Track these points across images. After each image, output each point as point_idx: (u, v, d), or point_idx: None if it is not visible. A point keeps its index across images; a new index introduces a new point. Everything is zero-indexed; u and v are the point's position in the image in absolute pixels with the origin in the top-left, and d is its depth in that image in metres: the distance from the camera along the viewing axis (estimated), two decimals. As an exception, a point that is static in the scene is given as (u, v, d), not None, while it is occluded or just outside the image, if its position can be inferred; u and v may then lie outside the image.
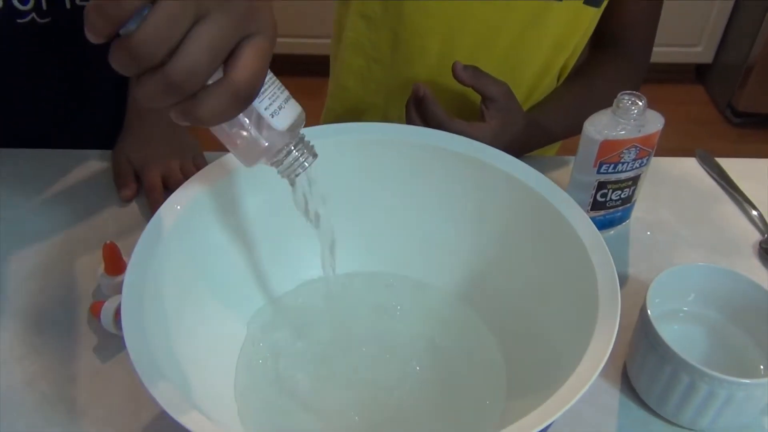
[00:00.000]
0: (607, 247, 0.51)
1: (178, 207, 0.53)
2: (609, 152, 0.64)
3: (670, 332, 0.55)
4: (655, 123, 0.65)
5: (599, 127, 0.64)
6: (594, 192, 0.68)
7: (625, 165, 0.66)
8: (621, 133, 0.64)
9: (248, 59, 0.38)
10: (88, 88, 0.85)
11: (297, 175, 0.47)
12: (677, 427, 0.57)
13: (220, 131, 0.43)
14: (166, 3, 0.34)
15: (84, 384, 0.57)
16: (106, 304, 0.60)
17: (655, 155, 0.67)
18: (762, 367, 0.57)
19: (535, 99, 0.86)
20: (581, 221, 0.53)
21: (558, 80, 0.89)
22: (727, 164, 0.82)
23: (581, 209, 0.54)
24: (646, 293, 0.56)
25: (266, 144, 0.43)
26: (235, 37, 0.37)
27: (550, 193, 0.55)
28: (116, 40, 0.35)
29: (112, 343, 0.60)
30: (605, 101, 0.65)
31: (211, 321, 0.56)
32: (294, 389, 0.55)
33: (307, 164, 0.46)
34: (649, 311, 0.55)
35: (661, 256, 0.71)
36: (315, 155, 0.47)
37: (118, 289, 0.60)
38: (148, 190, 0.74)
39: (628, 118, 0.63)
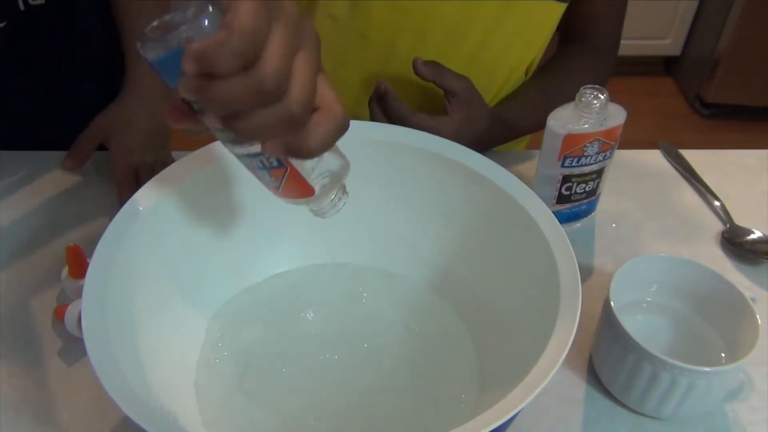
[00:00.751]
0: (568, 240, 0.51)
1: (141, 207, 0.53)
2: (572, 146, 0.65)
3: (633, 322, 0.56)
4: (617, 116, 0.66)
5: (562, 121, 0.65)
6: (559, 186, 0.69)
7: (589, 158, 0.67)
8: (584, 127, 0.64)
9: (333, 92, 0.39)
10: (51, 87, 0.84)
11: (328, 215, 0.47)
12: (642, 416, 0.57)
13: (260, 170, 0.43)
14: (281, 34, 0.34)
15: (49, 388, 0.57)
16: (69, 307, 0.60)
17: (625, 147, 0.68)
18: (723, 355, 0.58)
19: (505, 95, 0.86)
20: (543, 215, 0.54)
21: (526, 76, 0.89)
22: (691, 156, 0.83)
23: (542, 202, 0.54)
24: (609, 284, 0.57)
25: (316, 192, 0.44)
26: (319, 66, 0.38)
27: (512, 187, 0.56)
28: (224, 78, 0.33)
29: (77, 347, 0.60)
30: (572, 96, 0.66)
31: (175, 319, 0.55)
32: (255, 387, 0.55)
33: (340, 206, 0.47)
34: (612, 303, 0.56)
35: (625, 247, 0.72)
36: (347, 194, 0.48)
37: (82, 292, 0.60)
38: (120, 183, 0.74)
39: (590, 112, 0.64)
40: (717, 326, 0.60)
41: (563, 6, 0.79)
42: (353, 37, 0.81)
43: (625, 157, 0.82)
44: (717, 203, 0.77)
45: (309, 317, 0.61)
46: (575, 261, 0.50)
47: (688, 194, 0.79)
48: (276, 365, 0.57)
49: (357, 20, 0.79)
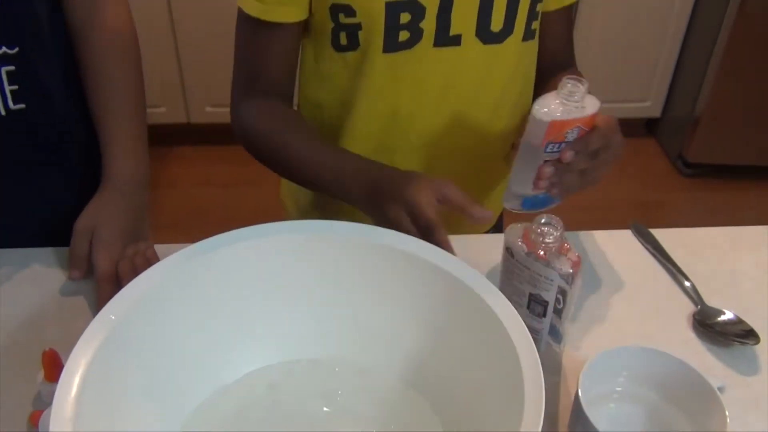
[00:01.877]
0: (530, 338, 0.52)
1: (113, 317, 0.54)
2: (556, 132, 0.67)
3: (604, 413, 0.57)
4: (593, 105, 0.68)
5: (548, 108, 0.67)
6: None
7: (568, 144, 0.69)
8: (567, 114, 0.67)
9: None
10: (27, 184, 0.85)
11: None
12: None
13: None
14: None
15: (22, 498, 0.57)
16: (45, 413, 0.60)
17: (607, 207, 0.70)
18: (694, 447, 0.58)
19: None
20: (509, 315, 0.55)
21: None
22: (661, 235, 0.85)
23: (508, 302, 0.56)
24: (578, 377, 0.58)
25: None
26: None
27: (478, 285, 0.57)
28: None
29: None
30: None
31: (149, 424, 0.56)
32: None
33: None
34: (581, 396, 0.57)
35: (599, 332, 0.73)
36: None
37: (57, 397, 0.60)
38: (101, 279, 0.75)
39: (572, 100, 0.66)
40: (687, 413, 0.60)
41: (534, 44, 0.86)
42: (357, 110, 0.84)
43: (596, 237, 0.84)
44: (687, 283, 0.78)
45: (283, 420, 0.61)
46: (539, 364, 0.51)
47: (660, 275, 0.81)
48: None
49: (361, 99, 0.83)
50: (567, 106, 0.67)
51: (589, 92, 0.68)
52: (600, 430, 0.54)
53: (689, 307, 0.76)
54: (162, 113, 2.29)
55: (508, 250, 0.66)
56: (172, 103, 2.28)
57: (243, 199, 2.12)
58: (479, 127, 0.87)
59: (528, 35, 0.83)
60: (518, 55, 0.84)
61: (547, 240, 0.63)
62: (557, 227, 0.63)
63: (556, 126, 0.67)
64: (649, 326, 0.74)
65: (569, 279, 0.63)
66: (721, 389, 0.57)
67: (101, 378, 0.51)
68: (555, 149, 0.69)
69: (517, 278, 0.66)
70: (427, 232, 0.66)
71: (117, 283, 0.74)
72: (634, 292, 0.78)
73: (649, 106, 2.51)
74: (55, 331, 0.71)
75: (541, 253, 0.64)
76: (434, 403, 0.62)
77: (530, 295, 0.66)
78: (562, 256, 0.63)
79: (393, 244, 0.61)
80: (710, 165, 2.40)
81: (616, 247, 0.84)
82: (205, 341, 0.61)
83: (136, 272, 0.62)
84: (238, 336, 0.63)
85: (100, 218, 0.79)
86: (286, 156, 0.81)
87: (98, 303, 0.74)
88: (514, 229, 0.66)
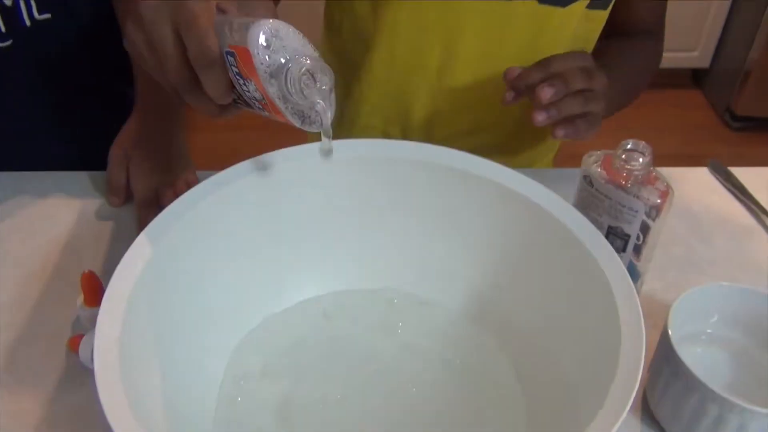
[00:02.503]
0: (626, 272, 0.47)
1: (158, 235, 0.49)
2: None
3: (692, 356, 0.51)
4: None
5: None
6: None
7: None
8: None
9: None
10: (60, 106, 0.81)
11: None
12: (704, 460, 0.52)
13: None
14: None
15: (62, 425, 0.53)
16: (85, 338, 0.56)
17: (660, 164, 0.62)
18: (794, 395, 0.53)
19: None
20: (597, 244, 0.49)
21: None
22: (738, 174, 0.78)
23: (596, 230, 0.50)
24: (666, 316, 0.52)
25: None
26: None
27: (562, 213, 0.52)
28: None
29: (92, 380, 0.56)
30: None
31: (195, 352, 0.51)
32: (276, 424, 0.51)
33: (325, 87, 0.45)
34: (671, 336, 0.51)
35: (676, 273, 0.67)
36: (326, 71, 0.45)
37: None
38: (140, 205, 0.70)
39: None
40: (784, 361, 0.55)
41: (605, 13, 0.75)
42: (379, 53, 0.77)
43: (671, 174, 0.77)
44: (772, 223, 0.72)
45: (341, 352, 0.56)
46: (636, 299, 0.45)
47: (740, 214, 0.74)
48: (305, 407, 0.52)
49: (383, 41, 0.75)
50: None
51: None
52: (694, 371, 0.49)
53: (774, 249, 0.70)
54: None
55: (586, 179, 0.60)
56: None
57: (277, 143, 2.08)
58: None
59: (598, 3, 0.73)
60: (580, 23, 0.74)
61: (633, 166, 0.57)
62: (645, 152, 0.57)
63: None
64: (731, 267, 0.68)
65: (655, 212, 0.57)
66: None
67: (146, 301, 0.47)
68: None
69: (595, 209, 0.60)
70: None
71: (158, 209, 0.70)
72: (713, 232, 0.72)
73: (697, 56, 2.40)
74: (93, 256, 0.66)
75: (624, 182, 0.57)
76: (502, 342, 0.57)
77: (609, 228, 0.60)
78: (648, 185, 0.57)
79: (467, 166, 0.56)
80: (759, 118, 2.29)
81: (692, 185, 0.78)
82: (254, 267, 0.56)
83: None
84: (289, 263, 0.59)
85: (135, 144, 0.74)
86: None
87: (138, 229, 0.69)
88: (594, 155, 0.60)
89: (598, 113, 0.66)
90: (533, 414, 0.51)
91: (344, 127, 0.84)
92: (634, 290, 0.47)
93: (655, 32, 0.84)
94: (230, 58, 0.45)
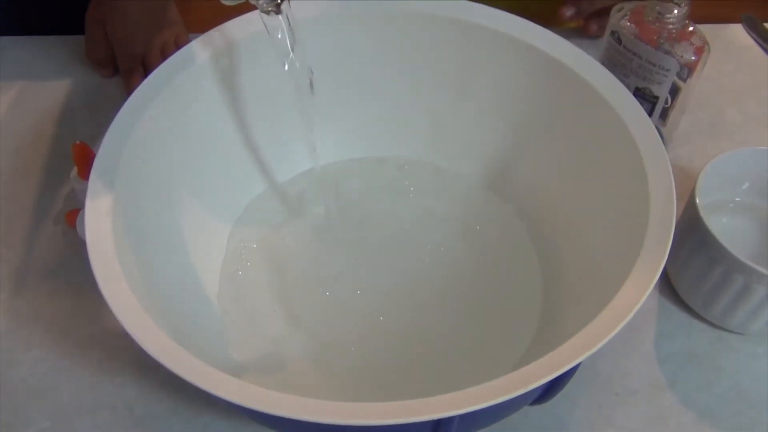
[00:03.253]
0: (660, 141, 0.43)
1: (150, 96, 0.45)
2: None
3: (718, 225, 0.48)
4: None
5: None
6: None
7: None
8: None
9: None
10: None
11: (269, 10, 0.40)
12: (724, 330, 0.51)
13: None
14: None
15: (63, 301, 0.52)
16: (82, 211, 0.54)
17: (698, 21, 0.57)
18: (825, 264, 0.50)
19: None
20: (628, 107, 0.45)
21: None
22: (778, 30, 0.72)
23: (629, 93, 0.46)
24: (694, 183, 0.49)
25: None
26: None
27: (591, 72, 0.47)
28: None
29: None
30: None
31: (192, 224, 0.49)
32: (286, 305, 0.49)
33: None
34: (698, 203, 0.48)
35: (704, 138, 0.63)
36: None
37: (93, 195, 0.53)
38: (125, 73, 0.66)
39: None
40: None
41: None
42: None
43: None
44: (809, 85, 0.67)
45: (349, 217, 0.54)
46: (669, 168, 0.41)
47: (775, 75, 0.69)
48: (312, 278, 0.51)
49: None
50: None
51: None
52: (721, 240, 0.46)
53: (810, 112, 0.66)
54: None
55: (614, 35, 0.55)
56: None
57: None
58: None
59: None
60: None
61: (667, 19, 0.52)
62: (681, 3, 0.52)
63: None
64: (764, 133, 0.64)
65: (687, 71, 0.53)
66: None
67: (137, 172, 0.43)
68: None
69: (622, 68, 0.55)
70: None
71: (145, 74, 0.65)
72: (746, 96, 0.67)
73: None
74: (85, 125, 0.63)
75: (657, 36, 0.52)
76: (522, 209, 0.54)
77: (636, 89, 0.55)
78: (683, 41, 0.52)
79: (477, 19, 0.50)
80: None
81: (724, 43, 0.72)
82: (253, 134, 0.53)
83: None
84: (287, 134, 0.55)
85: (111, 9, 0.68)
86: None
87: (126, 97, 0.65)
88: (624, 8, 0.55)
89: None
90: (549, 287, 0.49)
91: None
92: (667, 158, 0.43)
93: None
94: None
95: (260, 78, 0.51)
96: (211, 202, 0.51)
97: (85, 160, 0.55)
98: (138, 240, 0.42)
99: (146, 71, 0.65)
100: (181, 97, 0.47)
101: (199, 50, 0.48)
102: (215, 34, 0.49)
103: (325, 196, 0.55)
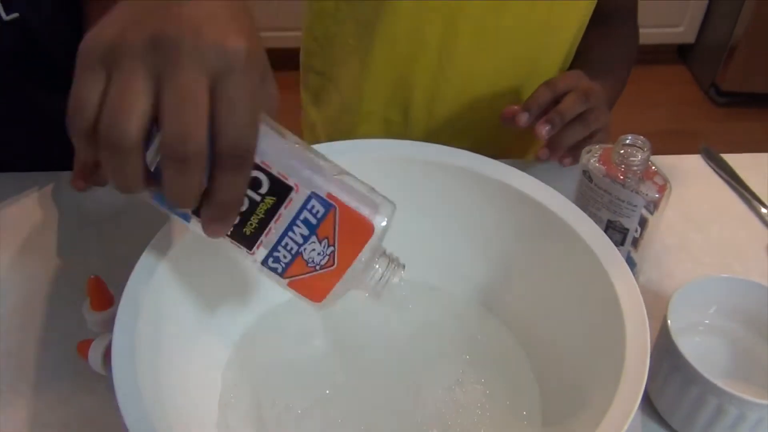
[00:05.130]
0: (626, 264, 0.48)
1: (172, 240, 0.49)
2: None
3: (691, 345, 0.52)
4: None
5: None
6: None
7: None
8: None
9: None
10: (33, 106, 0.79)
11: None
12: (703, 448, 0.54)
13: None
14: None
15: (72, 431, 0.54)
16: (94, 342, 0.56)
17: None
18: (791, 384, 0.54)
19: None
20: (595, 237, 0.50)
21: None
22: (731, 160, 0.80)
23: (594, 224, 0.51)
24: (666, 308, 0.54)
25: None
26: None
27: (559, 206, 0.53)
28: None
29: (101, 386, 0.56)
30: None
31: (199, 354, 0.52)
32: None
33: (396, 280, 0.43)
34: (671, 328, 0.52)
35: (672, 262, 0.69)
36: (402, 266, 0.44)
37: (106, 326, 0.56)
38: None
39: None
40: (779, 349, 0.56)
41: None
42: (380, 35, 0.77)
43: (664, 162, 0.78)
44: (764, 210, 0.73)
45: (341, 332, 0.57)
46: (639, 294, 0.46)
47: (734, 202, 0.76)
48: (308, 401, 0.53)
49: (383, 23, 0.75)
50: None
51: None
52: (691, 361, 0.50)
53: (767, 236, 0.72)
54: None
55: (585, 174, 0.61)
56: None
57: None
58: (516, 80, 0.80)
59: None
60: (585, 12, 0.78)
61: (631, 162, 0.58)
62: (644, 148, 0.58)
63: None
64: (726, 257, 0.69)
65: (653, 206, 0.59)
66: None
67: (160, 304, 0.47)
68: None
69: (594, 204, 0.61)
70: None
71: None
72: (707, 221, 0.73)
73: (683, 32, 2.41)
74: (97, 259, 0.67)
75: (623, 177, 0.58)
76: (513, 331, 0.58)
77: (608, 222, 0.61)
78: (647, 180, 0.58)
79: (472, 165, 0.56)
80: (745, 93, 2.31)
81: (685, 172, 0.79)
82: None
83: None
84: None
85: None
86: None
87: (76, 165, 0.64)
88: (593, 150, 0.61)
89: (605, 124, 0.68)
90: (548, 409, 0.52)
91: (345, 113, 0.85)
92: (636, 286, 0.48)
93: (630, 14, 0.86)
94: (314, 203, 0.39)
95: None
96: (215, 331, 0.54)
97: (98, 293, 0.59)
98: (152, 374, 0.45)
99: None
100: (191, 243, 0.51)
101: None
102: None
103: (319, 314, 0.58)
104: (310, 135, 0.92)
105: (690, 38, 2.43)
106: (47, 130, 0.78)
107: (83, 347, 0.58)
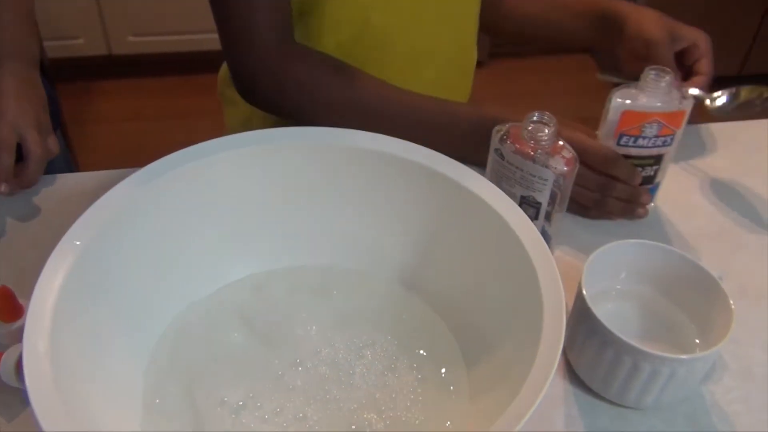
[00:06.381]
0: (546, 246, 0.50)
1: (77, 243, 0.48)
2: (630, 124, 0.66)
3: (604, 311, 0.55)
4: (684, 103, 0.66)
5: (624, 96, 0.65)
6: None
7: (647, 140, 0.67)
8: (643, 105, 0.65)
9: None
10: None
11: None
12: (623, 407, 0.56)
13: None
14: None
15: (-12, 448, 0.51)
16: (5, 355, 0.54)
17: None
18: (697, 341, 0.57)
19: None
20: (516, 217, 0.52)
21: None
22: None
23: (514, 203, 0.53)
24: (580, 276, 0.56)
25: None
26: None
27: (483, 189, 0.54)
28: None
29: (14, 399, 0.54)
30: None
31: (118, 351, 0.51)
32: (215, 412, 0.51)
33: None
34: (585, 295, 0.54)
35: (584, 235, 0.71)
36: None
37: (17, 337, 0.54)
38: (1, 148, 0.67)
39: (653, 92, 0.64)
40: (688, 311, 0.59)
41: None
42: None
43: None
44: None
45: (272, 319, 0.57)
46: (553, 263, 0.48)
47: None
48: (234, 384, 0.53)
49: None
50: (647, 97, 0.65)
51: (684, 87, 0.66)
52: (606, 324, 0.52)
53: None
54: (80, 45, 2.13)
55: (497, 152, 0.63)
56: (90, 33, 2.12)
57: (177, 132, 2.02)
58: (460, 34, 0.82)
59: None
60: None
61: (539, 137, 0.60)
62: (550, 123, 0.60)
63: (631, 117, 0.65)
64: (635, 226, 0.72)
65: (562, 179, 0.61)
66: (721, 278, 0.56)
67: (71, 309, 0.46)
68: (630, 143, 0.67)
69: (507, 180, 0.63)
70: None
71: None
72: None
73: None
74: (5, 269, 0.64)
75: (533, 152, 0.60)
76: (437, 311, 0.59)
77: (521, 197, 0.63)
78: (555, 155, 0.60)
79: (392, 150, 0.57)
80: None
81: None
82: (174, 258, 0.56)
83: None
84: (212, 250, 0.58)
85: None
86: (380, 105, 0.73)
87: None
88: (502, 129, 0.63)
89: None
90: (474, 382, 0.53)
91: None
92: (551, 257, 0.50)
93: None
94: None
95: (176, 210, 0.55)
96: (136, 325, 0.53)
97: (7, 304, 0.56)
98: (71, 380, 0.43)
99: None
100: (110, 234, 0.50)
101: (128, 189, 0.52)
102: (141, 175, 0.53)
103: (249, 300, 0.58)
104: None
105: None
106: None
107: (-7, 359, 0.55)
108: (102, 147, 1.97)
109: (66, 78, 2.00)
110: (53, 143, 0.72)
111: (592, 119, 0.76)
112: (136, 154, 1.95)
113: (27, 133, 0.68)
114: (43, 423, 0.38)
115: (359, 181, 0.58)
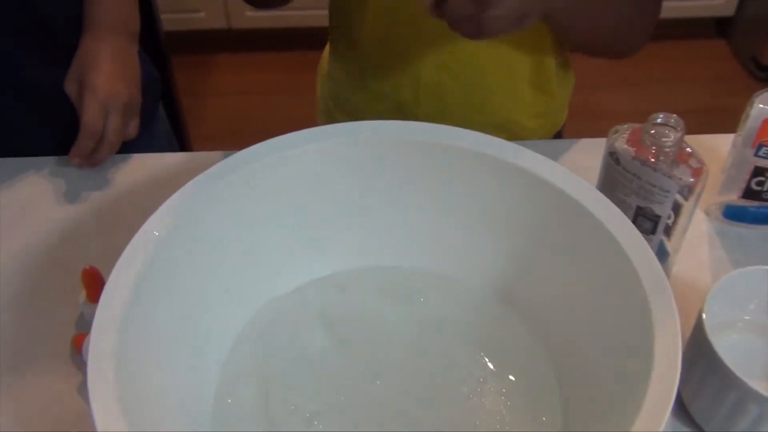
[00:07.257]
0: (660, 267, 0.44)
1: (156, 233, 0.46)
2: None
3: (728, 344, 0.48)
4: None
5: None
6: (748, 177, 0.61)
7: None
8: None
9: None
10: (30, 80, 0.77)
11: None
12: (741, 457, 0.49)
13: None
14: None
15: (67, 426, 0.51)
16: (88, 336, 0.54)
17: (686, 119, 0.59)
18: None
19: None
20: (626, 230, 0.46)
21: None
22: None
23: (625, 216, 0.47)
24: (702, 303, 0.49)
25: None
26: None
27: (581, 193, 0.48)
28: None
29: (97, 382, 0.54)
30: None
31: (193, 352, 0.49)
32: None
33: None
34: (706, 327, 0.48)
35: (709, 253, 0.64)
36: None
37: (101, 320, 0.54)
38: (84, 128, 0.68)
39: None
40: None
41: None
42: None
43: (700, 143, 0.73)
44: (811, 195, 0.68)
45: (353, 322, 0.54)
46: (668, 286, 0.42)
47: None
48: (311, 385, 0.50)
49: None
50: None
51: None
52: (726, 362, 0.46)
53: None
54: (201, 18, 2.18)
55: (612, 155, 0.56)
56: (211, 7, 2.16)
57: (290, 107, 2.03)
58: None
59: None
60: None
61: (663, 143, 0.53)
62: (677, 127, 0.53)
63: None
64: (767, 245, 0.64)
65: (688, 191, 0.54)
66: None
67: (142, 305, 0.44)
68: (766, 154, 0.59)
69: (622, 189, 0.56)
70: None
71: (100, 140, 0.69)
72: (747, 206, 0.68)
73: (722, 4, 2.31)
74: (95, 248, 0.64)
75: (654, 159, 0.53)
76: (533, 329, 0.54)
77: (638, 208, 0.56)
78: (681, 163, 0.53)
79: (486, 149, 0.52)
80: (788, 68, 2.21)
81: (724, 153, 0.73)
82: (256, 251, 0.54)
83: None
84: (295, 244, 0.56)
85: (85, 67, 0.70)
86: None
87: (71, 155, 0.69)
88: (620, 130, 0.56)
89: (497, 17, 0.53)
90: (569, 414, 0.48)
91: (356, 92, 0.80)
92: (665, 279, 0.44)
93: None
94: None
95: (263, 202, 0.52)
96: (213, 321, 0.51)
97: (94, 285, 0.56)
98: (138, 375, 0.42)
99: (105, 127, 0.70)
100: (190, 226, 0.48)
101: (214, 177, 0.50)
102: (227, 164, 0.50)
103: (330, 303, 0.55)
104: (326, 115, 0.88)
105: (729, 11, 2.33)
106: (42, 108, 0.76)
107: (78, 341, 0.55)
108: (215, 119, 2.01)
109: (185, 50, 2.05)
110: (134, 127, 0.72)
111: (724, 109, 0.67)
112: (248, 127, 1.98)
113: (111, 117, 0.69)
114: (99, 424, 0.36)
115: (454, 183, 0.54)
